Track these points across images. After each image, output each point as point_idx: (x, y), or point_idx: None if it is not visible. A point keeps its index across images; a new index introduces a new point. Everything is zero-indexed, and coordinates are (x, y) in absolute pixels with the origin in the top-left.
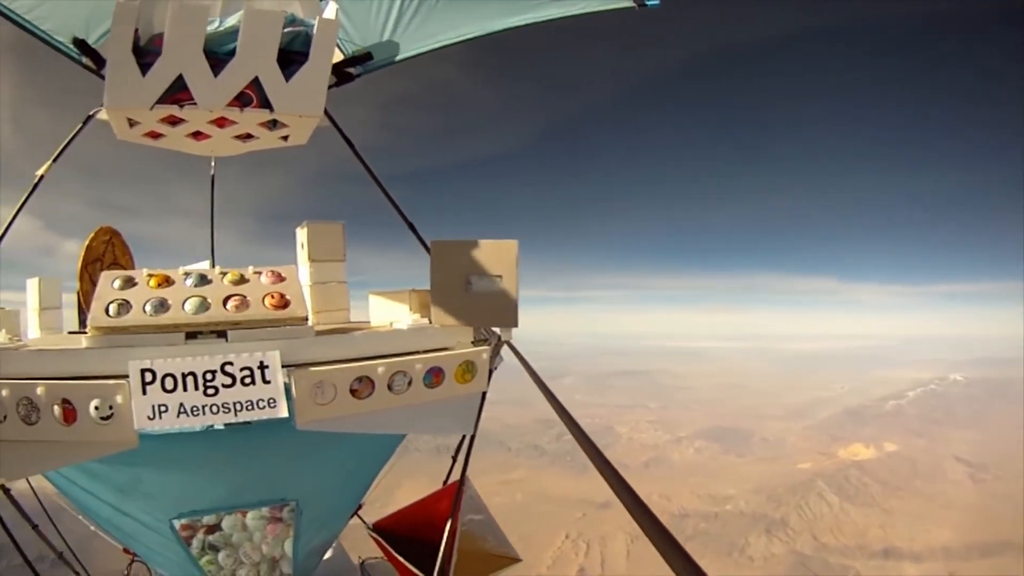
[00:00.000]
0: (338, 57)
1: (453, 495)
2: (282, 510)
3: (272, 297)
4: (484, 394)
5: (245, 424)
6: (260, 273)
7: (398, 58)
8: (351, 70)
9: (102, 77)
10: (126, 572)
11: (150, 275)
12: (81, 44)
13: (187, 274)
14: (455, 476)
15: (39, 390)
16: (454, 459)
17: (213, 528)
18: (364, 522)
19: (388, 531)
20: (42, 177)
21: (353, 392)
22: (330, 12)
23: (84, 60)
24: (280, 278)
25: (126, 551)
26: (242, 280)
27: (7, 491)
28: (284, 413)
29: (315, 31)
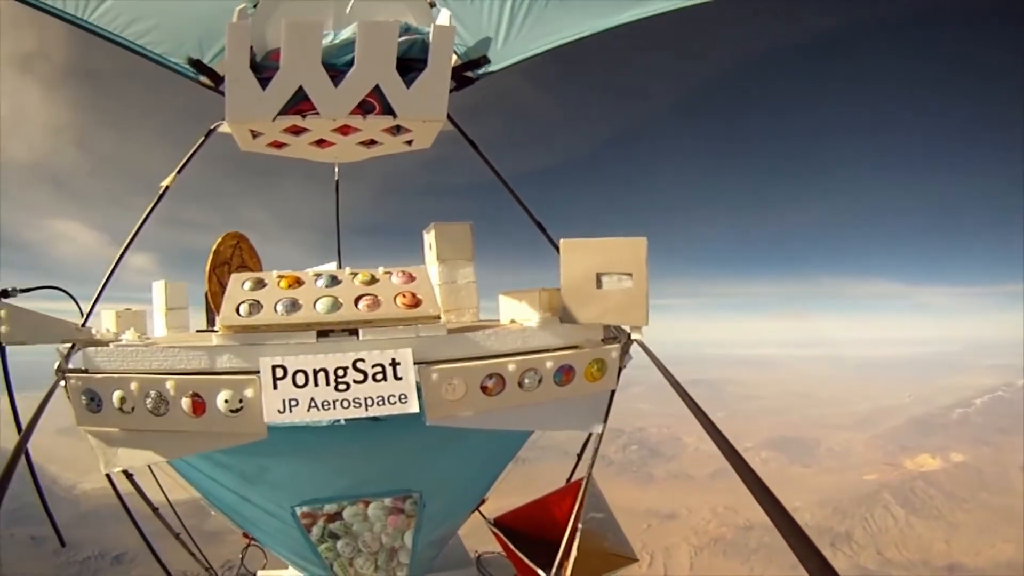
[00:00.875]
0: (455, 61)
1: (576, 493)
2: (405, 502)
3: (404, 296)
4: (613, 392)
5: (373, 418)
6: (391, 273)
7: (514, 60)
8: (469, 74)
9: (220, 93)
10: (242, 555)
11: (280, 276)
12: (197, 64)
13: (318, 275)
14: (579, 474)
15: (168, 384)
16: (579, 457)
17: (334, 517)
18: (484, 517)
19: (508, 527)
20: (167, 188)
21: (484, 389)
22: (444, 19)
23: (201, 79)
24: (411, 278)
25: (245, 535)
26: (373, 280)
27: (130, 476)
28: (415, 408)
29: (431, 38)
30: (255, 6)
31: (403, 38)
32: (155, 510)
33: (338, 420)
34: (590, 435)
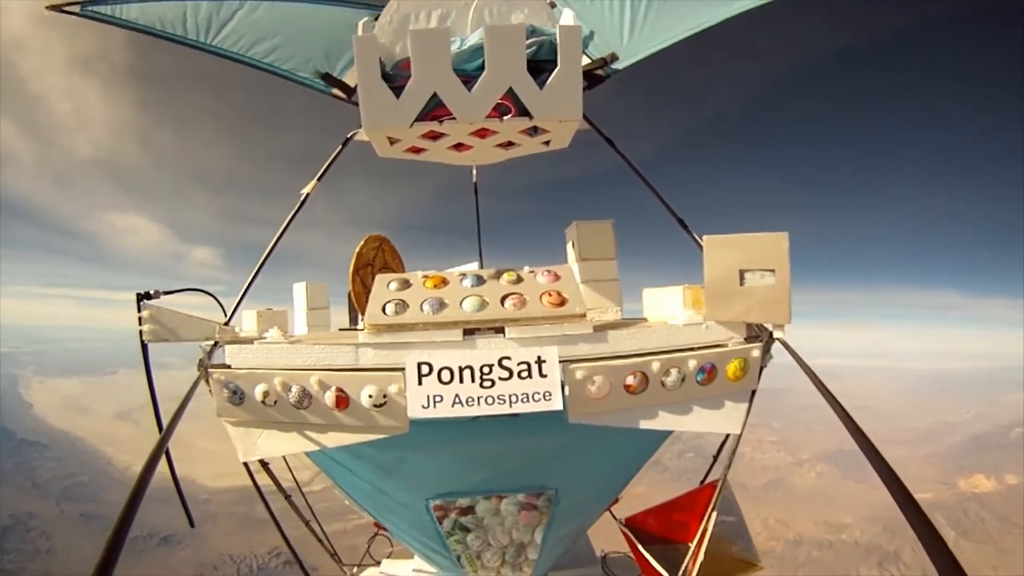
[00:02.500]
0: (584, 60)
1: (709, 495)
2: (539, 498)
3: (549, 295)
4: (754, 392)
5: (512, 415)
6: (536, 272)
7: (641, 55)
8: (599, 72)
9: (353, 104)
10: (369, 543)
11: (425, 276)
12: (327, 77)
13: (463, 275)
14: (714, 475)
15: (313, 379)
16: (714, 459)
17: (467, 510)
18: (615, 517)
19: (638, 527)
20: (308, 195)
21: (626, 387)
22: (568, 19)
23: (333, 91)
24: (556, 277)
25: (376, 525)
26: (519, 279)
27: (265, 465)
28: (559, 406)
29: (558, 38)
30: (375, 18)
31: (530, 40)
32: (288, 498)
33: (478, 416)
34: (727, 437)
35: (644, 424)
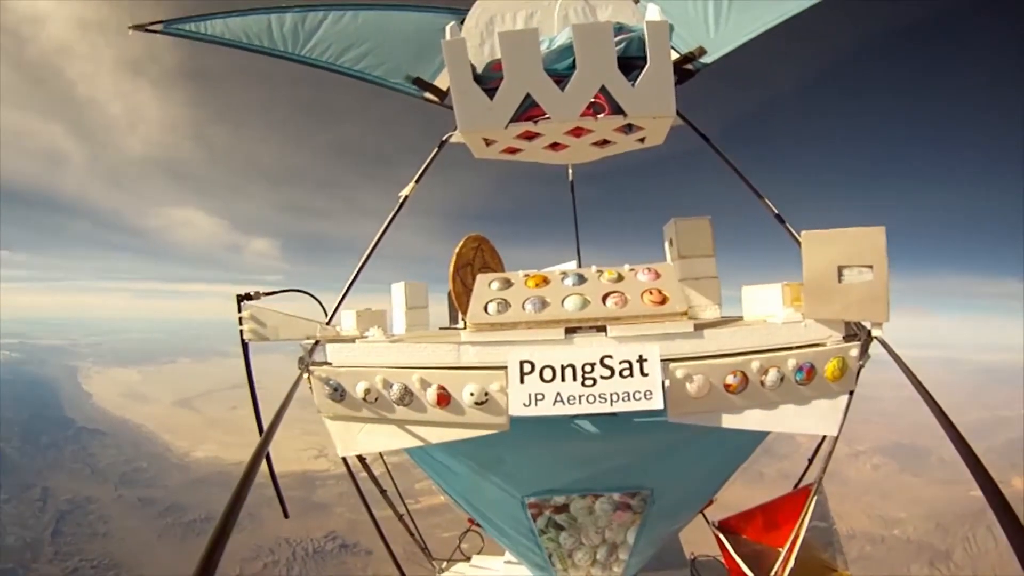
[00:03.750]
0: (672, 55)
1: (803, 500)
2: (633, 498)
3: (651, 293)
4: (851, 393)
5: (611, 414)
6: (636, 270)
7: (729, 48)
8: (689, 67)
9: (446, 107)
10: (460, 538)
11: (526, 276)
12: (418, 81)
13: (564, 274)
14: (808, 479)
15: (415, 377)
16: (809, 461)
17: (561, 508)
18: (707, 519)
19: (730, 530)
20: (407, 198)
21: (726, 387)
22: (654, 14)
23: (426, 95)
24: (657, 275)
25: (470, 521)
26: (619, 278)
27: (363, 460)
28: (659, 405)
29: (646, 34)
30: (461, 22)
31: (618, 37)
32: (383, 492)
33: (578, 415)
34: (822, 439)
35: (742, 425)
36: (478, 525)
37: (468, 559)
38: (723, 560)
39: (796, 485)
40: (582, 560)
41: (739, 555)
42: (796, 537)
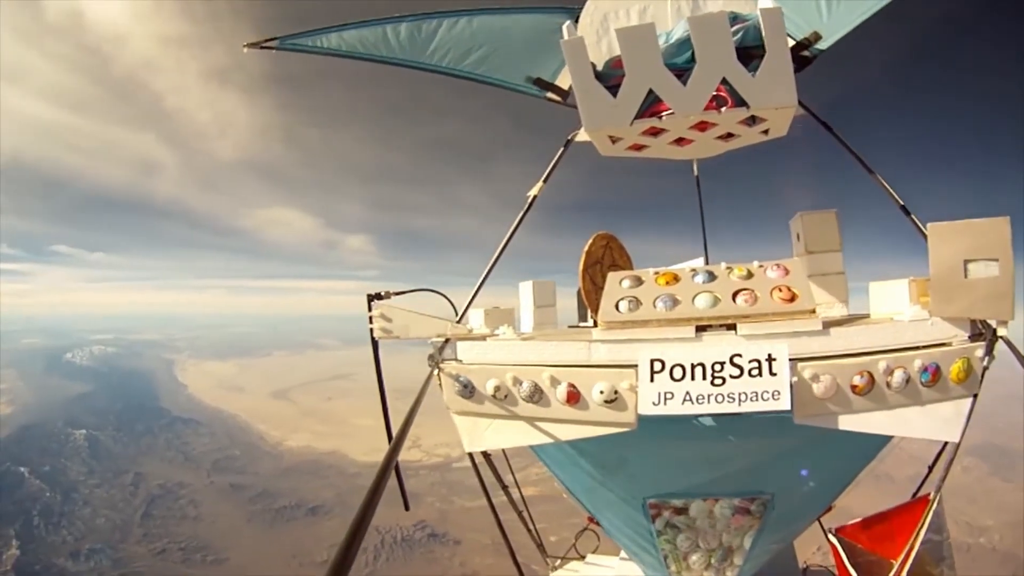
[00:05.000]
0: (788, 43)
1: (921, 510)
2: (753, 503)
3: (780, 291)
4: (975, 397)
5: (736, 415)
6: (765, 267)
7: (844, 31)
8: (805, 53)
9: (569, 106)
10: (576, 537)
11: (657, 273)
12: (539, 82)
13: (694, 271)
14: (927, 488)
15: (545, 375)
16: (930, 469)
17: (681, 510)
18: (823, 527)
19: (847, 539)
20: (535, 198)
21: (853, 388)
22: (767, 0)
23: (548, 95)
24: (786, 271)
25: (589, 519)
26: (749, 275)
27: (487, 456)
28: (787, 406)
29: (761, 22)
30: (576, 19)
31: (734, 27)
32: (504, 488)
33: (704, 415)
34: (943, 446)
35: (866, 428)
36: (596, 523)
37: (583, 557)
38: (836, 571)
39: (915, 494)
40: (697, 563)
41: (853, 566)
42: (910, 550)
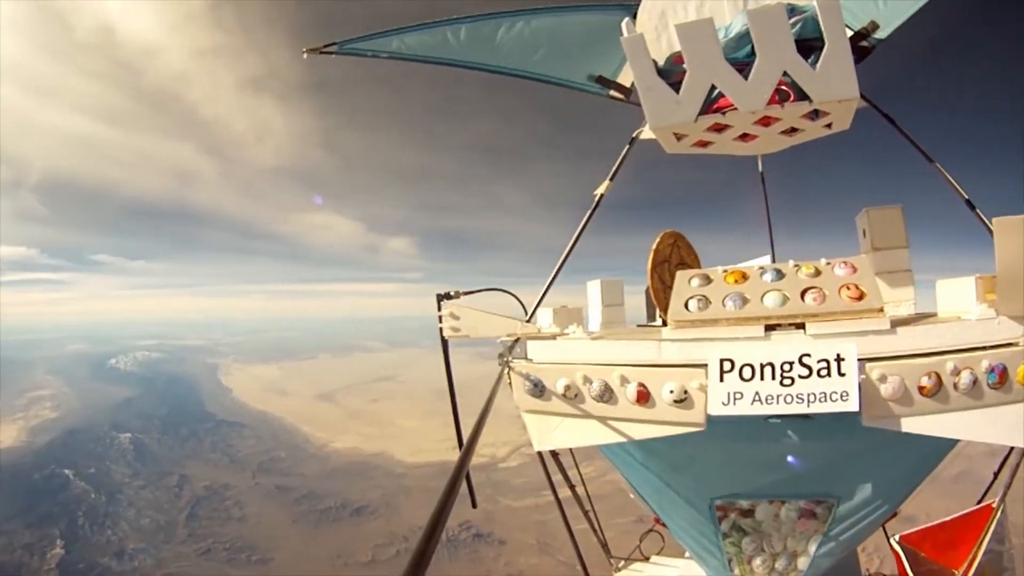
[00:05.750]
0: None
1: (985, 519)
2: (819, 506)
3: (848, 289)
4: None
5: (804, 416)
6: (833, 264)
7: (901, 19)
8: (864, 43)
9: (632, 104)
10: (642, 538)
11: (725, 272)
12: (601, 79)
13: (763, 269)
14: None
15: (615, 374)
16: (995, 476)
17: (747, 513)
18: (886, 534)
19: (910, 547)
20: (602, 196)
21: (920, 389)
22: None
23: (610, 93)
24: (854, 269)
25: (656, 520)
26: (817, 273)
27: (555, 455)
28: (855, 407)
29: (818, 12)
30: (634, 16)
31: (792, 19)
32: (572, 488)
33: (772, 416)
34: (1009, 451)
35: (933, 431)
36: (662, 524)
37: (647, 559)
38: None
39: (979, 501)
40: (760, 567)
41: (916, 574)
42: (973, 560)
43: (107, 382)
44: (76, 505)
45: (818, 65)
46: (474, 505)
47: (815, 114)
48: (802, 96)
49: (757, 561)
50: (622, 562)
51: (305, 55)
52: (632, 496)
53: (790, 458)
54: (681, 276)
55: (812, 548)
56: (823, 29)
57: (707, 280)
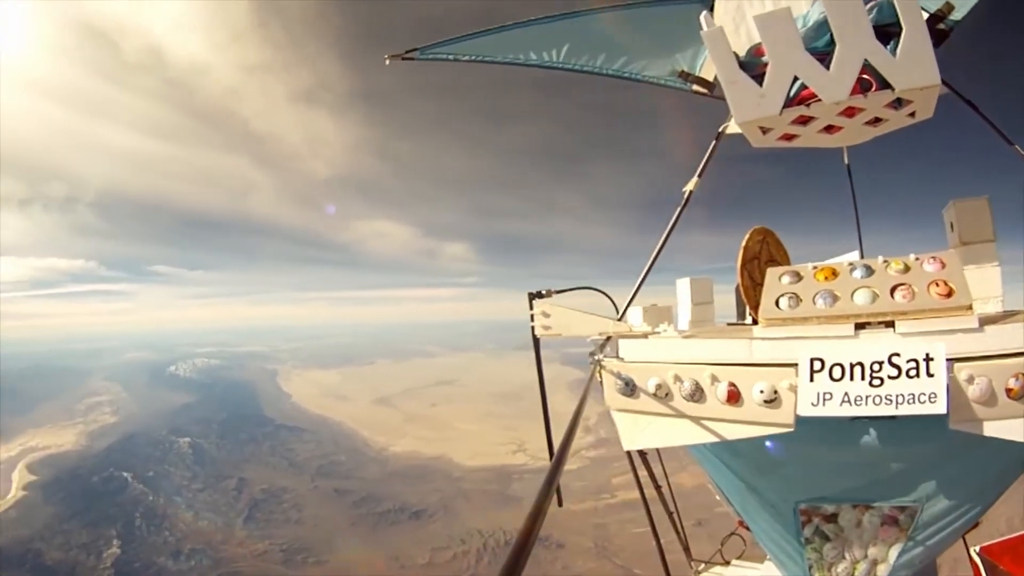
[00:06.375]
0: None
1: None
2: (902, 512)
3: (937, 285)
4: None
5: (890, 418)
6: (922, 260)
7: (975, 1)
8: (941, 26)
9: (716, 98)
10: (723, 542)
11: (815, 268)
12: (684, 75)
13: (852, 265)
14: None
15: (707, 373)
16: None
17: (831, 518)
18: (965, 544)
19: (991, 559)
20: (691, 193)
21: (1007, 391)
22: None
23: (694, 88)
24: (943, 264)
25: (740, 523)
26: (906, 269)
27: (643, 455)
28: (943, 409)
29: None
30: (710, 8)
31: (868, 5)
32: (658, 488)
33: (859, 417)
34: None
35: (1020, 436)
36: (746, 528)
37: (727, 562)
38: None
39: None
40: (841, 574)
41: None
42: None
43: (166, 388)
44: (133, 507)
45: (898, 51)
46: (560, 503)
47: (898, 103)
48: (884, 84)
49: (838, 568)
50: (702, 565)
51: (388, 62)
52: (718, 498)
53: (874, 461)
54: (772, 273)
55: (893, 556)
56: (899, 13)
57: (797, 277)
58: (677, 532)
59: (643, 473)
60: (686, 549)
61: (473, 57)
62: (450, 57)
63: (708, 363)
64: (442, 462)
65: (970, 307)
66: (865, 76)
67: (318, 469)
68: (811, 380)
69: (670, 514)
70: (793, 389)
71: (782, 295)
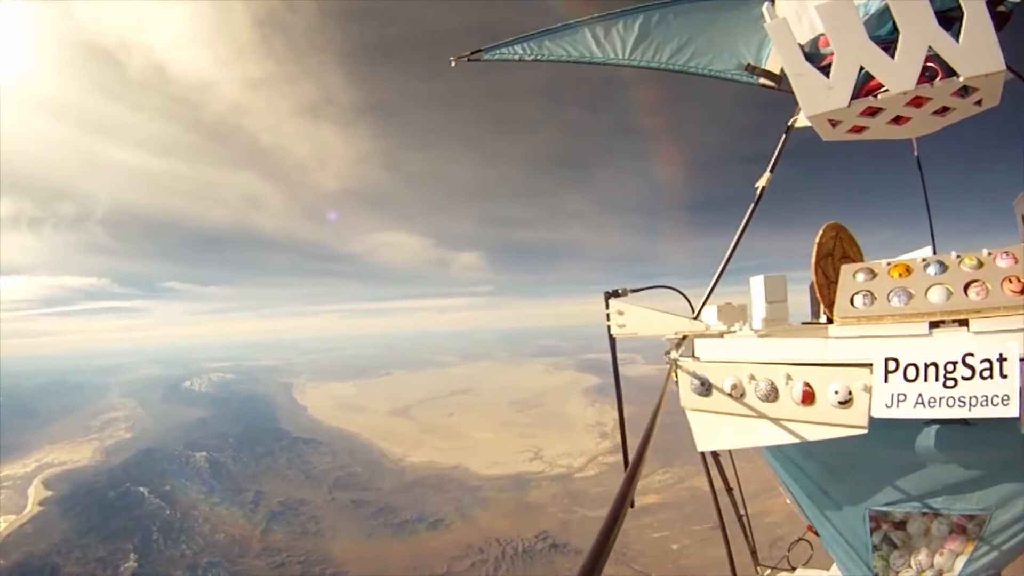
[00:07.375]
0: None
1: None
2: (971, 521)
3: (1010, 281)
4: None
5: (963, 422)
6: (995, 255)
7: None
8: (1001, 8)
9: (783, 91)
10: (790, 547)
11: (889, 264)
12: (751, 68)
13: (926, 261)
14: None
15: (782, 373)
16: None
17: (899, 525)
18: None
19: None
20: (764, 188)
21: None
22: None
23: (760, 81)
24: (1015, 260)
25: (809, 528)
26: (980, 264)
27: (715, 456)
28: (1015, 413)
29: None
30: (772, 0)
31: None
32: (729, 490)
33: (930, 420)
34: None
35: None
36: (815, 533)
37: (793, 569)
38: None
39: None
40: None
41: None
42: None
43: (181, 403)
44: (150, 521)
45: (960, 36)
46: (631, 504)
47: (964, 91)
48: (949, 72)
49: None
50: (768, 571)
51: (453, 63)
52: (788, 502)
53: (943, 465)
54: (846, 271)
55: (959, 566)
56: None
57: (872, 274)
58: (746, 535)
59: (714, 473)
60: (753, 553)
61: (538, 56)
62: (515, 57)
63: (783, 363)
64: (459, 471)
65: None
66: (930, 64)
67: (335, 481)
68: (886, 381)
69: (740, 517)
70: (867, 390)
71: (856, 293)
